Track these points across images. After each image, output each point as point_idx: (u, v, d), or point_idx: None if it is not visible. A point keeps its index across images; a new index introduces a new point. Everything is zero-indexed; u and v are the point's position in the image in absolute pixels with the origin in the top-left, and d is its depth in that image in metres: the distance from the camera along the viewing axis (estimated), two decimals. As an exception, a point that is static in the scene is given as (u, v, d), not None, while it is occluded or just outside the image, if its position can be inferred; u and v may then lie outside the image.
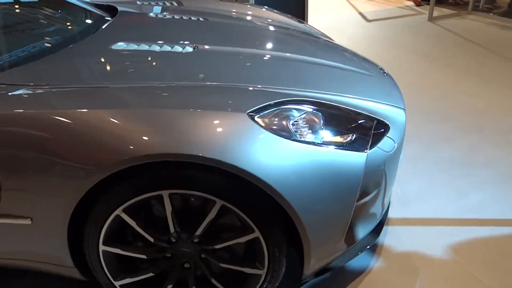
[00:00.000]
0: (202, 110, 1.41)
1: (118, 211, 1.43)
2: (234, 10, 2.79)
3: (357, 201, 1.50)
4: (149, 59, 1.85)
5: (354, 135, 1.54)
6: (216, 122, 1.40)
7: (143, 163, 1.32)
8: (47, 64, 1.75)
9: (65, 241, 1.47)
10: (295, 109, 1.53)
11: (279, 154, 1.38)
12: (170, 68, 1.76)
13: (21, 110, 1.43)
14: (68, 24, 2.36)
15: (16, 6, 2.40)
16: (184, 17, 2.44)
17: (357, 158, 1.47)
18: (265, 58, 2.02)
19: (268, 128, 1.41)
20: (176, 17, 2.46)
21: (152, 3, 2.76)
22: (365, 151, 1.50)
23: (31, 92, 1.51)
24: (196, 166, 1.33)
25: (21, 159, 1.40)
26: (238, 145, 1.35)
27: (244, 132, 1.38)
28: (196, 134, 1.34)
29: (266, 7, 3.00)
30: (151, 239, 1.49)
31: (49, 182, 1.39)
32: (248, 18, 2.71)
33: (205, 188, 1.37)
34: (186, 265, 1.56)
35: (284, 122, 1.46)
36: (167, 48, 1.90)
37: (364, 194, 1.53)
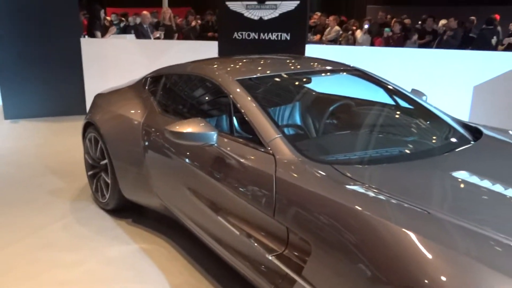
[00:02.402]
0: None
1: None
2: None
3: None
4: (488, 200, 1.69)
5: None
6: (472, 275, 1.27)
7: None
8: (389, 170, 1.89)
9: None
10: None
11: None
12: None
13: (355, 206, 1.60)
14: (426, 136, 2.43)
15: (391, 110, 2.75)
16: None
17: None
18: None
19: None
20: None
21: None
22: None
23: (368, 192, 1.66)
24: None
25: (330, 237, 1.62)
26: None
27: None
28: None
29: None
30: None
31: (346, 268, 1.53)
32: None
33: None
34: None
35: None
36: None
37: None
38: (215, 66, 2.75)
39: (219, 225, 2.23)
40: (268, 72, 2.71)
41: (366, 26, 9.87)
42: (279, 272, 1.87)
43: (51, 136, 5.51)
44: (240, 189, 2.10)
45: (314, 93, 2.88)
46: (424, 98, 3.03)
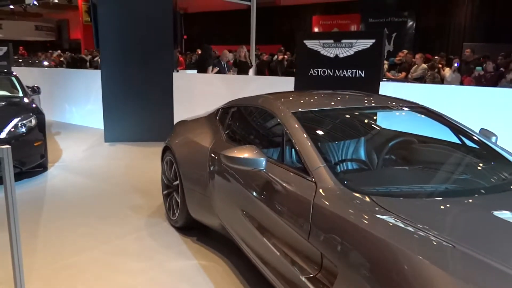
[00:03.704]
0: None
1: None
2: None
3: None
4: None
5: None
6: None
7: None
8: (427, 204, 1.95)
9: None
10: None
11: None
12: None
13: (380, 234, 1.68)
14: (481, 175, 2.43)
15: (449, 147, 2.80)
16: None
17: None
18: None
19: None
20: None
21: None
22: None
23: (397, 223, 1.73)
24: None
25: (355, 262, 1.73)
26: None
27: None
28: None
29: None
30: None
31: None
32: None
33: None
34: None
35: None
36: None
37: None
38: (276, 99, 2.97)
39: (263, 245, 2.38)
40: (324, 106, 2.87)
41: (456, 65, 9.52)
42: None
43: (140, 158, 6.11)
44: (282, 212, 2.25)
45: (370, 128, 2.95)
46: (493, 138, 2.94)
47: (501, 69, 9.29)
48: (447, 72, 9.39)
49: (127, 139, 7.01)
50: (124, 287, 2.82)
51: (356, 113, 2.92)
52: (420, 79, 9.30)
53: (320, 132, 2.69)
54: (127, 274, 2.98)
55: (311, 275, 1.97)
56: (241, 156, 2.34)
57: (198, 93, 7.11)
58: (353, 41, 5.31)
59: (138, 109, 7.03)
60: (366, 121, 2.96)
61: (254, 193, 2.54)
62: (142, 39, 6.86)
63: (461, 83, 9.06)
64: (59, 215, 4.01)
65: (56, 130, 8.10)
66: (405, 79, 9.53)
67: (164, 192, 3.91)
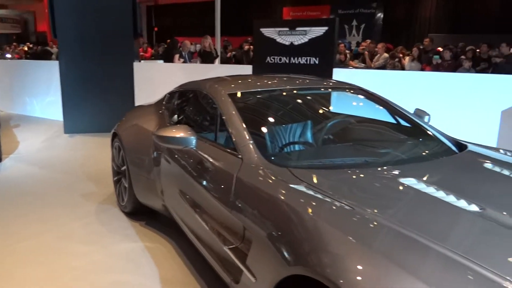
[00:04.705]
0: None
1: None
2: None
3: None
4: (421, 202, 1.72)
5: None
6: (379, 270, 1.33)
7: None
8: (341, 175, 2.02)
9: None
10: None
11: None
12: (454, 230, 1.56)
13: (290, 203, 1.75)
14: (403, 149, 2.49)
15: (375, 125, 2.91)
16: None
17: None
18: None
19: None
20: None
21: None
22: None
23: (308, 191, 1.79)
24: None
25: (264, 227, 1.81)
26: None
27: None
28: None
29: None
30: None
31: (274, 255, 1.66)
32: None
33: None
34: None
35: None
36: (463, 204, 1.69)
37: None
38: (215, 82, 3.03)
39: (197, 221, 2.46)
40: (261, 87, 2.95)
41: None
42: (233, 263, 2.04)
43: (98, 148, 6.08)
44: (211, 188, 2.32)
45: (306, 108, 3.05)
46: (426, 117, 3.08)
47: (462, 57, 9.59)
48: (406, 61, 9.63)
49: (87, 130, 6.95)
50: (67, 270, 2.85)
51: (293, 94, 3.01)
52: (382, 68, 9.51)
53: (252, 112, 2.77)
54: (71, 257, 3.01)
55: (234, 246, 2.06)
56: (171, 135, 2.40)
57: (160, 83, 7.09)
58: (307, 28, 5.40)
59: (98, 99, 6.97)
60: (302, 101, 3.05)
61: (189, 173, 2.60)
62: (101, 28, 6.79)
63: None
64: (9, 203, 3.98)
65: (16, 122, 7.95)
66: (367, 68, 9.73)
67: (114, 178, 3.93)
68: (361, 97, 3.12)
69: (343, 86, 3.18)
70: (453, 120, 4.62)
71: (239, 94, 2.75)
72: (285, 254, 1.60)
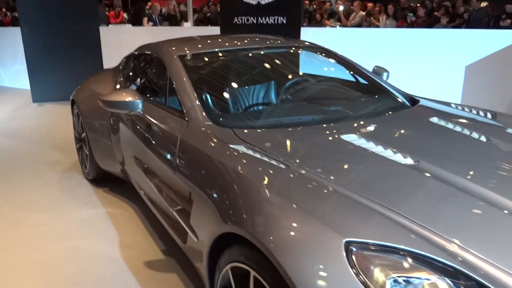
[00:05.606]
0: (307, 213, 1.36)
1: (229, 267, 1.56)
2: None
3: None
4: (370, 166, 1.69)
5: None
6: (305, 228, 1.32)
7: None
8: (284, 133, 2.02)
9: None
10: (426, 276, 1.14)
11: None
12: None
13: (229, 164, 1.75)
14: (353, 106, 2.49)
15: (328, 82, 2.93)
16: (474, 134, 2.04)
17: None
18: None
19: (356, 272, 1.15)
20: (465, 132, 2.07)
21: (466, 109, 2.51)
22: None
23: (248, 151, 1.80)
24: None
25: (203, 186, 1.82)
26: (310, 266, 1.21)
27: (323, 256, 1.22)
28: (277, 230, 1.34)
29: None
30: None
31: (212, 214, 1.67)
32: None
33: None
34: None
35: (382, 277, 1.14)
36: (398, 158, 1.70)
37: None
38: (166, 44, 2.95)
39: (149, 185, 2.45)
40: (215, 48, 2.88)
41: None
42: (180, 224, 2.06)
43: (67, 117, 5.94)
44: (159, 151, 2.30)
45: (262, 68, 2.99)
46: (385, 74, 3.06)
47: (435, 13, 9.51)
48: (382, 18, 9.53)
49: (56, 98, 6.79)
50: (26, 239, 2.84)
51: (250, 54, 2.95)
52: (359, 26, 9.40)
53: (203, 73, 2.72)
54: (30, 226, 3.00)
55: (180, 207, 2.06)
56: (116, 100, 2.35)
57: (128, 47, 6.87)
58: (274, -13, 5.25)
59: (65, 66, 6.78)
60: (257, 62, 2.99)
61: (140, 138, 2.57)
62: (63, -8, 6.52)
63: (396, 29, 9.23)
64: (-30, 176, 3.93)
65: (-18, 93, 7.75)
66: (343, 27, 9.60)
67: (77, 146, 3.88)
68: (321, 56, 3.08)
69: (302, 45, 3.13)
70: (419, 76, 4.63)
71: (189, 56, 2.68)
72: (222, 213, 1.61)
